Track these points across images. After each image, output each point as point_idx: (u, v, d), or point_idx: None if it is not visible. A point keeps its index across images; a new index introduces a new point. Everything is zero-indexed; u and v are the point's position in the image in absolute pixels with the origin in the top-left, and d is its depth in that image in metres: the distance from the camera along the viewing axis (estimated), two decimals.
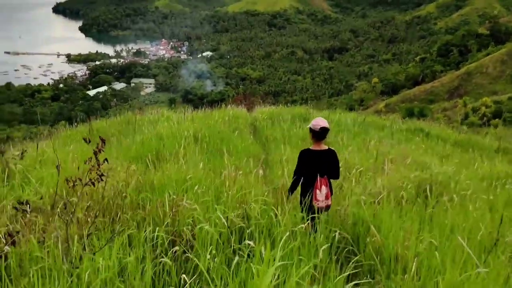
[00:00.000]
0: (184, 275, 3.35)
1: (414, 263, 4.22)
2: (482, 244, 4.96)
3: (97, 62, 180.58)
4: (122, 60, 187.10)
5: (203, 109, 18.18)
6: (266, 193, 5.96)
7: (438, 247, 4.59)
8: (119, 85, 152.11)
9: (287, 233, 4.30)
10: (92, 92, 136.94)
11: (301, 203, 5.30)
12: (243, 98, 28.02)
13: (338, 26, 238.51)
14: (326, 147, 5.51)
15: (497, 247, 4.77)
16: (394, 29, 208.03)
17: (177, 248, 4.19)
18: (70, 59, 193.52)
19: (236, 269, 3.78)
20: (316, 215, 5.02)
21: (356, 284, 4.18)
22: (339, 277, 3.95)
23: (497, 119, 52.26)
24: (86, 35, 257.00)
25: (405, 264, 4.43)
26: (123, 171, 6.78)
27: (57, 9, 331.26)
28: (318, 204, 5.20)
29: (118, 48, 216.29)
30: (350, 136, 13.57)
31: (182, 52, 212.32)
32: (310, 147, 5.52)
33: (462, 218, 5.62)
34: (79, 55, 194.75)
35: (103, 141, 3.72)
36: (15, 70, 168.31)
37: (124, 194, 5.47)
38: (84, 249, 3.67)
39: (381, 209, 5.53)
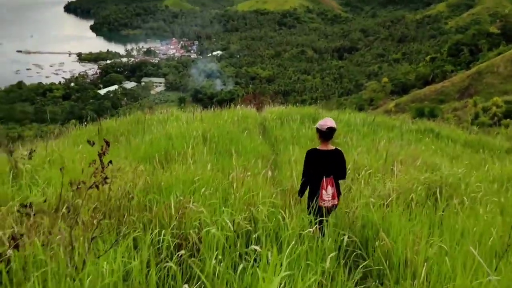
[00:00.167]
0: (186, 285, 3.30)
1: (424, 269, 4.14)
2: (493, 249, 4.88)
3: (108, 61, 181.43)
4: (132, 59, 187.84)
5: (212, 108, 18.19)
6: (274, 195, 5.92)
7: (448, 252, 4.52)
8: (129, 84, 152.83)
9: (295, 238, 4.25)
10: (102, 91, 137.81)
11: (308, 206, 5.27)
12: (252, 98, 27.99)
13: (348, 25, 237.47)
14: (333, 147, 5.50)
15: (509, 253, 4.69)
16: (404, 28, 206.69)
17: (183, 252, 4.14)
18: (81, 58, 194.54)
19: (242, 274, 3.74)
20: (324, 218, 4.98)
21: None
22: (347, 283, 3.90)
23: (508, 119, 51.62)
24: (97, 34, 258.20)
25: (414, 269, 4.36)
26: (131, 171, 6.76)
27: (69, 8, 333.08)
28: (324, 203, 5.19)
29: (129, 47, 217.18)
30: (360, 136, 13.50)
31: (192, 51, 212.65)
32: (317, 147, 5.51)
33: (473, 222, 5.55)
34: (90, 54, 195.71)
35: (107, 143, 3.69)
36: (27, 69, 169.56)
37: (131, 195, 5.44)
38: (88, 252, 3.64)
39: (390, 212, 5.47)
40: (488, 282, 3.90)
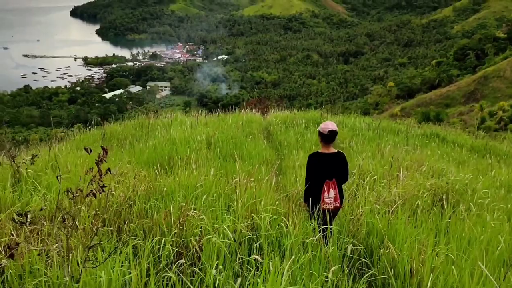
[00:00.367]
0: None
1: (430, 278, 4.04)
2: (501, 257, 4.77)
3: (114, 65, 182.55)
4: (138, 63, 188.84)
5: (217, 112, 18.14)
6: (277, 202, 5.83)
7: (455, 261, 4.41)
8: (135, 88, 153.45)
9: (298, 246, 4.16)
10: (108, 95, 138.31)
11: (312, 208, 5.22)
12: (257, 102, 27.92)
13: (353, 29, 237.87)
14: (335, 150, 5.49)
15: None
16: (410, 32, 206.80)
17: (183, 260, 4.06)
18: (87, 62, 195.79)
19: (244, 283, 3.65)
20: (328, 226, 4.90)
21: None
22: None
23: None
24: (103, 39, 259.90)
25: (420, 279, 4.25)
26: (134, 176, 6.69)
27: (75, 13, 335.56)
28: (326, 206, 5.18)
29: (135, 51, 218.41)
30: (365, 141, 13.39)
31: (197, 56, 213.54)
32: (319, 150, 5.48)
33: (480, 229, 5.44)
34: (96, 58, 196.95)
35: (105, 151, 3.61)
36: (33, 73, 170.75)
37: (132, 202, 5.37)
38: (85, 261, 3.55)
39: (395, 219, 5.37)
40: None
